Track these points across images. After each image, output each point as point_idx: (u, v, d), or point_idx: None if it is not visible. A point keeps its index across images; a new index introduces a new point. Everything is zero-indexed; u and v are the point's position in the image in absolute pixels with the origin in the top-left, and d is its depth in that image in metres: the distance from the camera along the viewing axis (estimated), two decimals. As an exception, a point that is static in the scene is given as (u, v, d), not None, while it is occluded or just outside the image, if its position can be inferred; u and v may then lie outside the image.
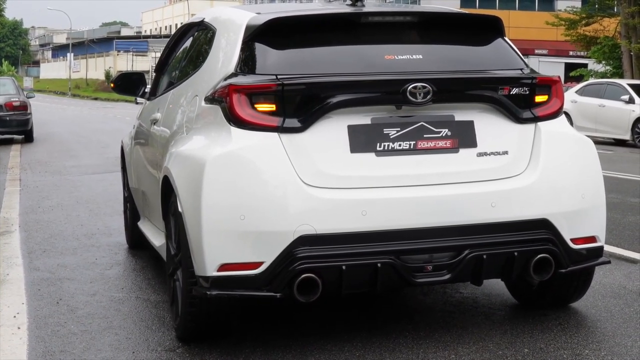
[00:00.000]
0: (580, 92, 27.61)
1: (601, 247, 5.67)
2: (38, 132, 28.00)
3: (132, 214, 8.52)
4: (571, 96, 27.96)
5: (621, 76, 36.86)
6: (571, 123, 27.43)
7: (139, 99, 8.57)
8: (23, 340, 5.64)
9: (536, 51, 51.84)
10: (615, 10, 41.66)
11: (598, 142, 26.36)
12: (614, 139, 26.02)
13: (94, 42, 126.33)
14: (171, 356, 5.26)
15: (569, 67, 46.21)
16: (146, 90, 7.99)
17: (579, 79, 39.50)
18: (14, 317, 6.17)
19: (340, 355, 5.23)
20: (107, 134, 26.98)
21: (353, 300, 6.41)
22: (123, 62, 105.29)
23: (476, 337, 5.55)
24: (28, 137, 26.55)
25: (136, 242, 8.51)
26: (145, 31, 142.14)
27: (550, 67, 47.60)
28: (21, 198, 12.74)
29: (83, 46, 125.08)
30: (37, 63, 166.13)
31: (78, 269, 7.75)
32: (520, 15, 57.08)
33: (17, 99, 26.36)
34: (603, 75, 38.31)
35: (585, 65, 42.44)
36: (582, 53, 45.60)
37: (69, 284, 7.19)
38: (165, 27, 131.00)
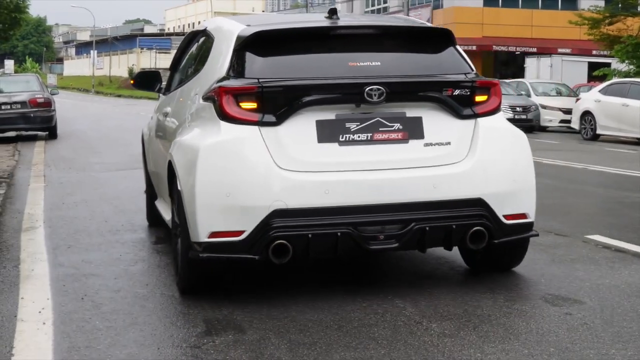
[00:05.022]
0: (604, 92, 27.48)
1: (531, 223, 6.69)
2: (61, 129, 28.04)
3: (150, 194, 9.59)
4: (594, 95, 27.84)
5: (645, 75, 36.64)
6: (594, 122, 27.38)
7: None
8: (48, 335, 5.66)
9: (559, 50, 51.56)
10: (639, 9, 41.43)
11: (621, 141, 26.24)
12: (638, 138, 25.84)
13: (118, 39, 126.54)
14: (196, 352, 5.26)
15: (592, 67, 45.86)
16: (162, 86, 9.13)
17: (602, 78, 39.24)
18: (39, 312, 6.20)
19: (365, 352, 5.22)
20: (130, 131, 26.86)
21: (378, 301, 6.42)
22: (146, 60, 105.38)
23: (502, 336, 5.54)
24: (52, 134, 26.63)
25: (154, 219, 9.45)
26: (169, 29, 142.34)
27: (573, 67, 47.27)
28: (45, 194, 12.81)
29: (106, 43, 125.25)
30: (60, 60, 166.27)
31: (102, 265, 7.78)
32: (543, 14, 56.82)
33: (41, 96, 26.47)
34: (626, 74, 38.07)
35: (608, 65, 42.12)
36: (605, 52, 45.32)
37: (94, 279, 7.22)
38: (188, 24, 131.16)
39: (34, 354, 5.29)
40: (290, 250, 6.05)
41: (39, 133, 27.24)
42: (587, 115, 27.77)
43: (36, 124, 26.22)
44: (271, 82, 6.25)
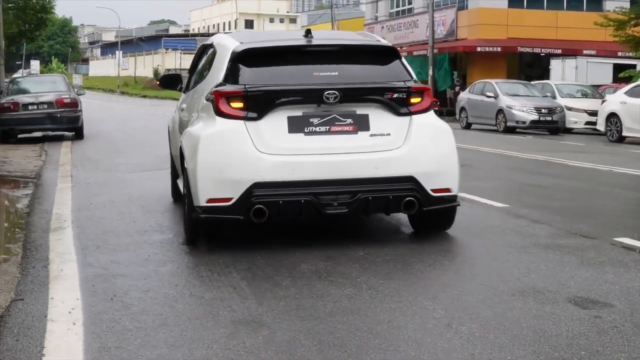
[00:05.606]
0: (630, 93, 27.29)
1: (455, 195, 8.68)
2: (88, 129, 27.99)
3: (173, 174, 11.73)
4: (620, 97, 27.66)
5: (671, 77, 36.32)
6: (620, 124, 27.19)
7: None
8: (79, 336, 5.69)
9: (584, 52, 51.16)
10: (666, 10, 41.10)
11: (648, 143, 26.07)
12: (664, 140, 25.66)
13: (143, 40, 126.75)
14: (227, 354, 5.28)
15: (617, 68, 45.47)
16: (183, 85, 11.44)
17: (628, 80, 38.93)
18: (69, 312, 6.23)
19: (395, 355, 5.24)
20: (156, 132, 26.65)
21: (407, 302, 6.42)
22: (171, 60, 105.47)
23: (532, 339, 5.53)
24: (78, 134, 26.63)
25: (176, 195, 11.28)
26: (193, 29, 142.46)
27: (599, 68, 46.89)
28: (73, 195, 12.87)
29: (132, 44, 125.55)
30: (86, 61, 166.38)
31: (131, 265, 7.82)
32: (568, 16, 56.44)
33: (67, 96, 26.52)
34: (652, 76, 37.79)
35: (633, 67, 41.75)
36: (630, 54, 44.97)
37: (123, 280, 7.25)
38: (213, 25, 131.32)
39: (65, 355, 5.32)
40: (266, 213, 8.06)
41: (65, 133, 27.31)
42: (612, 117, 27.61)
43: (63, 124, 26.27)
44: (254, 88, 8.32)
